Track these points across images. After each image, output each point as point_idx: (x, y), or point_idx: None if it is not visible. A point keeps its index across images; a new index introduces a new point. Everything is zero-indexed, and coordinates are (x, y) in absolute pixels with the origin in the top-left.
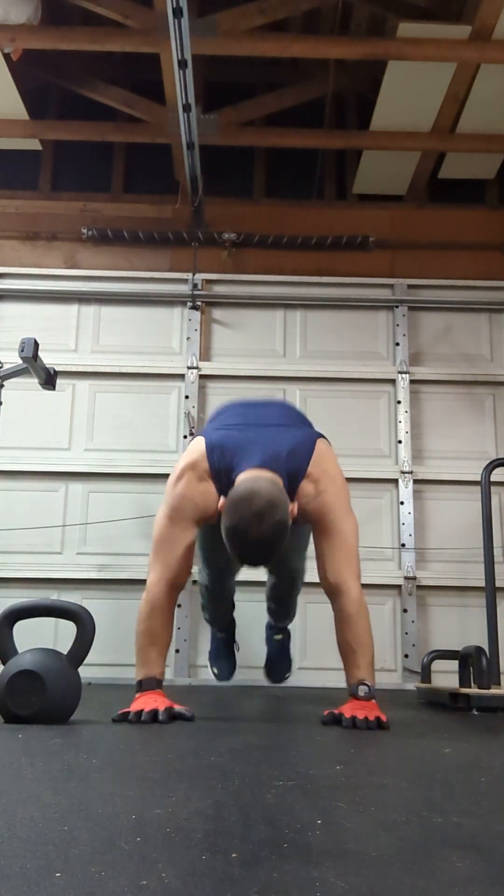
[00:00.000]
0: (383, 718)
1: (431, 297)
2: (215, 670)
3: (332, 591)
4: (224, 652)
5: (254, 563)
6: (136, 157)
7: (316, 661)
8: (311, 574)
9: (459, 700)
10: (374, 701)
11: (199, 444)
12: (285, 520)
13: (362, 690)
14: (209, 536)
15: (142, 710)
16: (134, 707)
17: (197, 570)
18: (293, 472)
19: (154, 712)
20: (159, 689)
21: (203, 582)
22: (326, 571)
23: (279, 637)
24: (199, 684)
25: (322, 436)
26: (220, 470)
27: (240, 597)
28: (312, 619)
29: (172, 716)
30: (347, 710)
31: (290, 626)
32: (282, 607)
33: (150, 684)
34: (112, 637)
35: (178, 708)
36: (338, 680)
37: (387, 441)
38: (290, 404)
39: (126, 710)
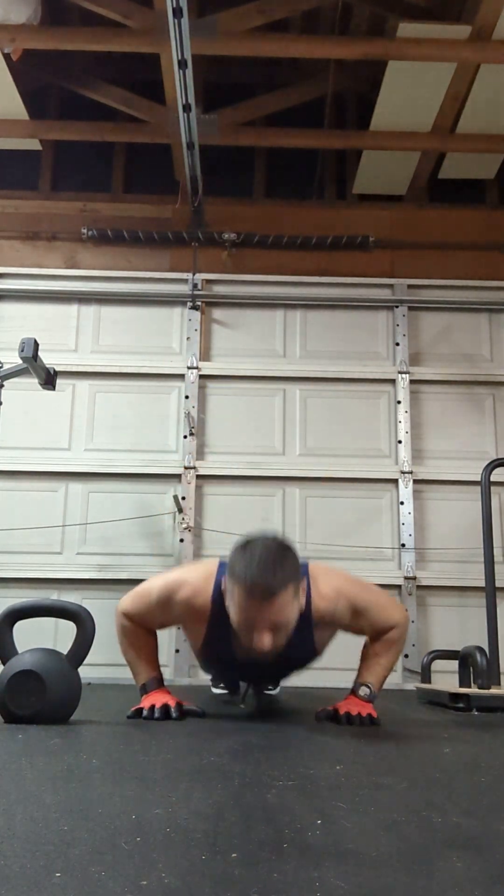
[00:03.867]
0: (374, 715)
1: (431, 297)
2: (221, 685)
3: (386, 630)
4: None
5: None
6: (136, 157)
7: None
8: None
9: (459, 700)
10: (371, 704)
11: (211, 568)
12: (298, 567)
13: (363, 691)
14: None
15: (154, 706)
16: (145, 704)
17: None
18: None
19: (166, 707)
20: (163, 686)
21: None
22: (379, 629)
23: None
24: (200, 684)
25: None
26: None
27: None
28: None
29: (184, 712)
30: (343, 706)
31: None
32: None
33: (153, 684)
34: (112, 637)
35: (187, 705)
36: (338, 680)
37: (387, 441)
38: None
39: (139, 706)
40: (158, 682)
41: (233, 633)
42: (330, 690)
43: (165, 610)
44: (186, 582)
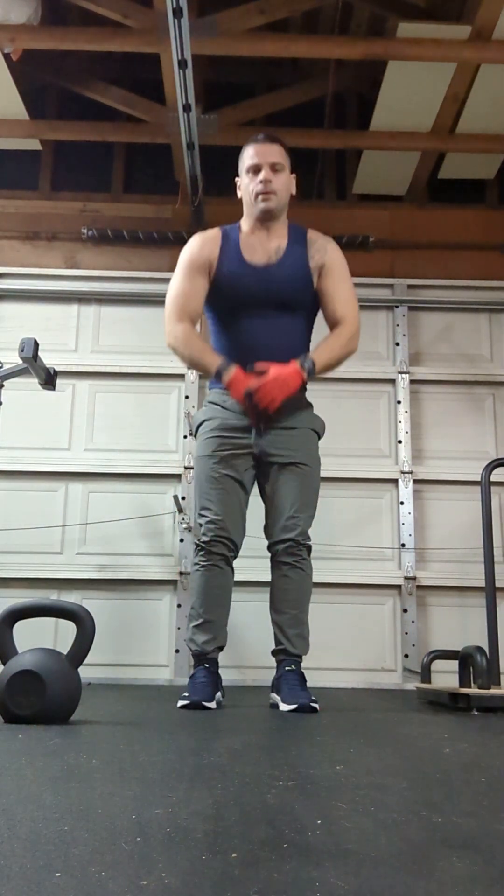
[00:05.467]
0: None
1: (431, 297)
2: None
3: (337, 322)
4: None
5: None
6: (136, 157)
7: (315, 661)
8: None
9: (459, 700)
10: (301, 371)
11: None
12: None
13: (305, 361)
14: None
15: (192, 697)
16: (234, 387)
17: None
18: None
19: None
20: (232, 364)
21: (201, 526)
22: (336, 305)
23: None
24: None
25: None
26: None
27: (237, 596)
28: (312, 619)
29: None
30: (273, 371)
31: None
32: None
33: (224, 365)
34: (112, 637)
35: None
36: (338, 680)
37: (387, 441)
38: None
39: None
40: (228, 363)
41: (240, 247)
42: (330, 690)
43: (194, 275)
44: (196, 249)
